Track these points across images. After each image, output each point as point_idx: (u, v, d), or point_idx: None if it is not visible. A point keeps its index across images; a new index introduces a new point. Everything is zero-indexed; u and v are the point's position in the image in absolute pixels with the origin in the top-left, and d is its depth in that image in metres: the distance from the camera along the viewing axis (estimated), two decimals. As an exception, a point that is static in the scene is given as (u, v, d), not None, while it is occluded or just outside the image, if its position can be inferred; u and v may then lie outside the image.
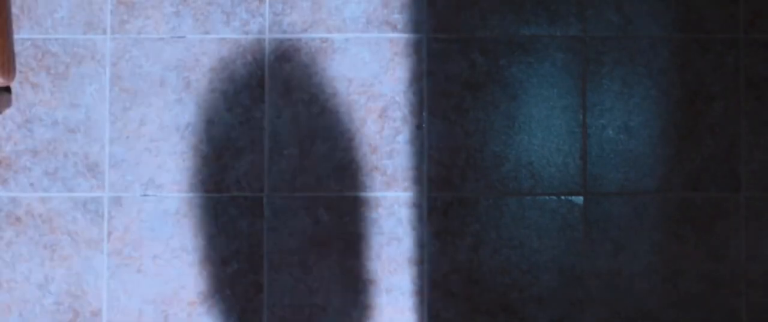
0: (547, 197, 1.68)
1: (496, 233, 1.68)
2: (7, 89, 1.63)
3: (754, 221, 1.68)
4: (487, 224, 1.68)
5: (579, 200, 1.68)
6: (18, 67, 1.71)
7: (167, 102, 1.70)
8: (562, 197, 1.68)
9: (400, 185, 1.69)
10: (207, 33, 1.70)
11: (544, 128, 1.69)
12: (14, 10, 1.70)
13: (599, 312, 1.68)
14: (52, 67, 1.70)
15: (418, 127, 1.66)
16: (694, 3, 1.70)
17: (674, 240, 1.69)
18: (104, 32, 1.70)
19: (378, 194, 1.69)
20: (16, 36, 1.70)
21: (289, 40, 1.70)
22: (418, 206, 1.68)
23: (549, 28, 1.70)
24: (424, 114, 1.69)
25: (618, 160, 1.69)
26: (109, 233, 1.69)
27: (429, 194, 1.69)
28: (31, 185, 1.69)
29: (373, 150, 1.69)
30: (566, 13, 1.70)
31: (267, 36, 1.70)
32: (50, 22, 1.70)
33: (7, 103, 1.62)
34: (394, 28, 1.70)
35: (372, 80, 1.70)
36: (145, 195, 1.69)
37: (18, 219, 1.69)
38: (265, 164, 1.69)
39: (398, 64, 1.70)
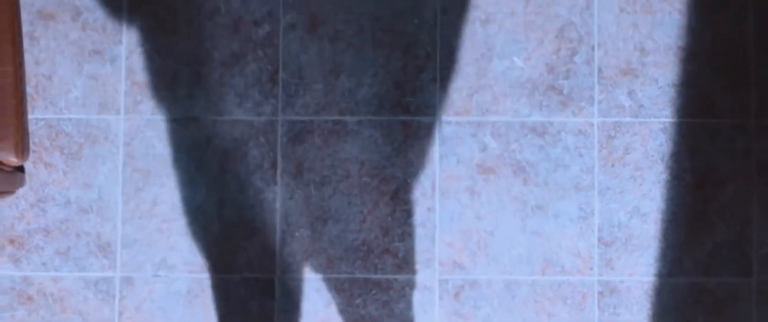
0: (558, 281, 1.68)
1: (508, 316, 1.68)
2: (21, 169, 1.64)
3: (765, 306, 1.68)
4: (499, 308, 1.68)
5: (591, 283, 1.68)
6: (32, 146, 1.71)
7: (180, 183, 1.70)
8: (574, 281, 1.68)
9: (411, 267, 1.69)
10: (220, 114, 1.71)
11: (556, 212, 1.69)
12: (29, 89, 1.71)
13: (610, 397, 1.67)
14: (66, 147, 1.71)
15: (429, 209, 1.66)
16: (705, 88, 1.71)
17: (686, 325, 1.68)
18: (118, 113, 1.71)
19: (389, 276, 1.69)
20: (30, 116, 1.71)
21: (302, 121, 1.71)
22: (429, 288, 1.68)
23: (561, 112, 1.70)
24: (436, 197, 1.70)
25: (630, 244, 1.69)
26: (120, 313, 1.69)
27: (440, 277, 1.69)
28: (43, 264, 1.70)
29: (384, 232, 1.69)
30: (578, 98, 1.70)
31: (280, 117, 1.71)
32: (64, 102, 1.71)
33: (21, 183, 1.63)
34: (407, 111, 1.71)
35: (384, 163, 1.70)
36: (156, 275, 1.69)
37: (30, 298, 1.69)
38: (277, 246, 1.69)
39: (410, 146, 1.70)
